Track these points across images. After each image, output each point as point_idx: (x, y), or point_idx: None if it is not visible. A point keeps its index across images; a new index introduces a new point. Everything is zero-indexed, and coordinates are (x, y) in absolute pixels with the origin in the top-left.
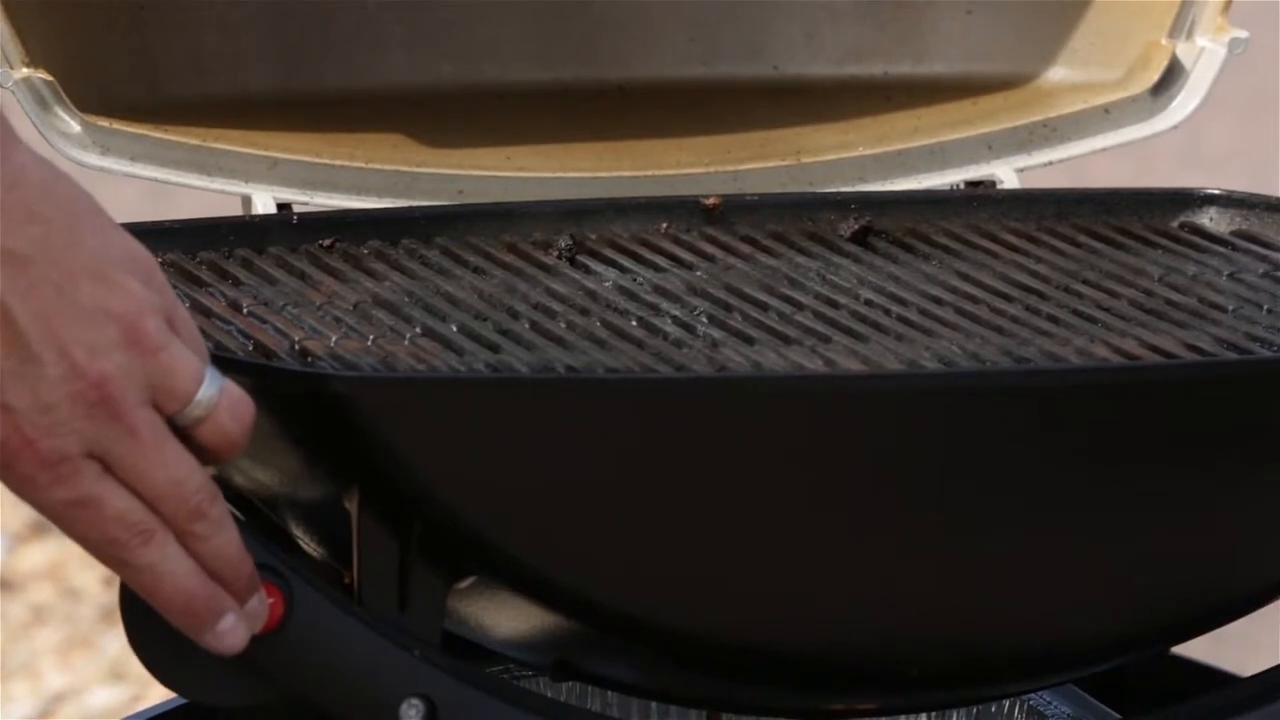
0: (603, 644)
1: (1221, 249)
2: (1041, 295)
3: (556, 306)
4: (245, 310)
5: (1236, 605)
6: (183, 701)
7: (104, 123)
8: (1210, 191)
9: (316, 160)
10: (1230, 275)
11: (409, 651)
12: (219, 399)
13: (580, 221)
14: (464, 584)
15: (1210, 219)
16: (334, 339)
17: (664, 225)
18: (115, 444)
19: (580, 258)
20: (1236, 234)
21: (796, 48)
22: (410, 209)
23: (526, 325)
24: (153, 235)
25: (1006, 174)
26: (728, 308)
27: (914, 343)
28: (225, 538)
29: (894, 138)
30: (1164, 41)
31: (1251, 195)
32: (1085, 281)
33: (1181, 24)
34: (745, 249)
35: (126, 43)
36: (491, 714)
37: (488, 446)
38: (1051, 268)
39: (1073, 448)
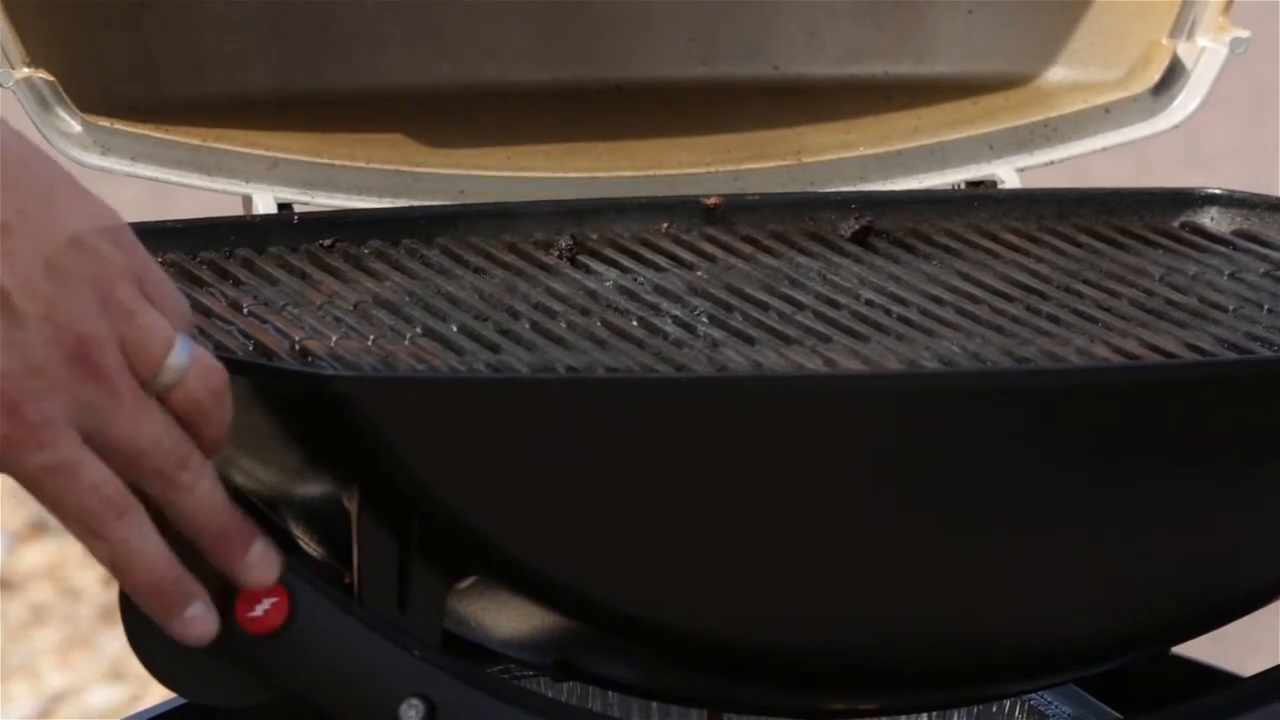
0: (603, 644)
1: (1222, 249)
2: (1042, 295)
3: (557, 306)
4: (246, 310)
5: (1236, 605)
6: (182, 701)
7: (105, 122)
8: (1211, 191)
9: (317, 160)
10: (1231, 275)
11: (409, 652)
12: (189, 366)
13: (581, 221)
14: (464, 584)
15: (1211, 219)
16: (334, 339)
17: (665, 225)
18: (97, 403)
19: (581, 258)
20: (1237, 234)
21: (797, 47)
22: (411, 209)
23: (527, 325)
24: (154, 235)
25: (1007, 174)
26: (728, 308)
27: (914, 343)
28: (210, 485)
29: (895, 137)
30: (1165, 41)
31: (1252, 195)
32: (1086, 281)
33: (1182, 24)
34: (746, 249)
35: (127, 43)
36: (491, 714)
37: (488, 447)
38: (1052, 267)
39: (1073, 448)
